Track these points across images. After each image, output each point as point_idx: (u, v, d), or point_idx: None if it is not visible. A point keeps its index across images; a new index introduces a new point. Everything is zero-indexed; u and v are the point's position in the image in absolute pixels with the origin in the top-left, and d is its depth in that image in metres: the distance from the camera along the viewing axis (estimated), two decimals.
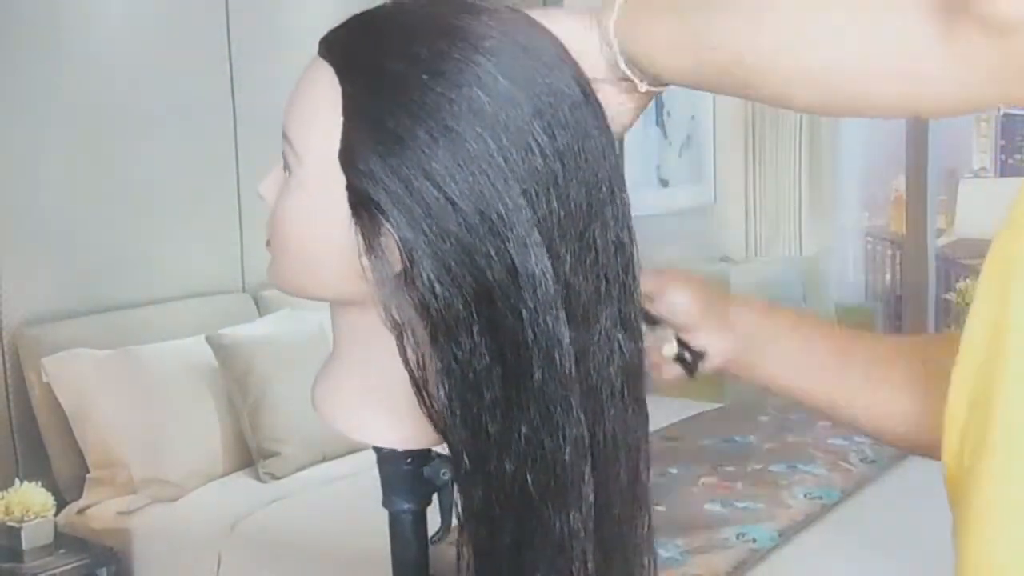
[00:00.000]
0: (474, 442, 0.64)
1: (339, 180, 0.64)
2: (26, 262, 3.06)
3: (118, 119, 3.24)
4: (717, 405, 3.67)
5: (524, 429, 0.63)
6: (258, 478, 3.08)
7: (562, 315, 0.63)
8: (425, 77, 0.61)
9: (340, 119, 0.63)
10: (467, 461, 0.65)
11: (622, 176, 0.67)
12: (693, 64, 0.61)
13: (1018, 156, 6.42)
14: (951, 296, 4.70)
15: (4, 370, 3.04)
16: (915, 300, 5.51)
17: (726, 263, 5.34)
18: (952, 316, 5.04)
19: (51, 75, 3.09)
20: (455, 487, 0.67)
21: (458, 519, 0.68)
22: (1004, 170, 6.32)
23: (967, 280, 4.77)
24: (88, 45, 3.19)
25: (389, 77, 0.62)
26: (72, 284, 3.16)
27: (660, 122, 5.15)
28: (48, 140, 3.10)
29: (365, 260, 0.63)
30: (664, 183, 5.12)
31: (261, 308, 3.50)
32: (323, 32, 0.68)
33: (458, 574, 0.69)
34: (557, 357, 0.63)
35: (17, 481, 2.86)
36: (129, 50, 3.28)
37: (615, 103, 0.68)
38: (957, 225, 5.20)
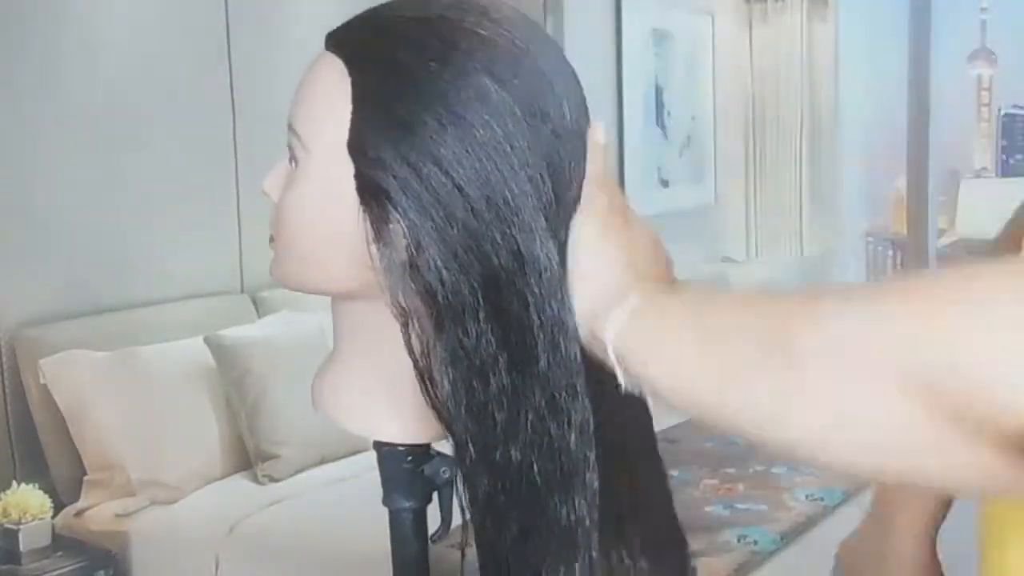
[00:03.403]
0: (480, 431, 0.64)
1: (347, 169, 0.65)
2: (24, 263, 3.05)
3: (116, 119, 3.23)
4: None
5: (530, 416, 0.63)
6: (256, 480, 3.06)
7: (567, 300, 0.64)
8: (433, 65, 0.62)
9: (349, 108, 0.64)
10: (472, 451, 0.65)
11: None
12: (713, 405, 0.57)
13: (1019, 156, 6.41)
14: None
15: (1, 372, 3.02)
16: None
17: (727, 263, 5.33)
18: None
19: (50, 75, 3.08)
20: (459, 479, 0.67)
21: (462, 513, 0.68)
22: (1005, 170, 6.32)
23: None
24: (87, 45, 3.17)
25: (398, 65, 0.63)
26: (70, 285, 3.15)
27: (660, 122, 5.14)
28: (46, 140, 3.09)
29: (373, 248, 0.64)
30: (664, 183, 5.11)
31: (260, 309, 3.49)
32: (322, 31, 0.69)
33: (461, 573, 0.69)
34: (562, 343, 0.63)
35: (15, 483, 2.84)
36: (128, 50, 3.27)
37: None
38: (958, 225, 5.20)
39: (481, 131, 0.62)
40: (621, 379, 0.60)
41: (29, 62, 3.04)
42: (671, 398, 0.58)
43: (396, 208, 0.62)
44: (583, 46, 4.33)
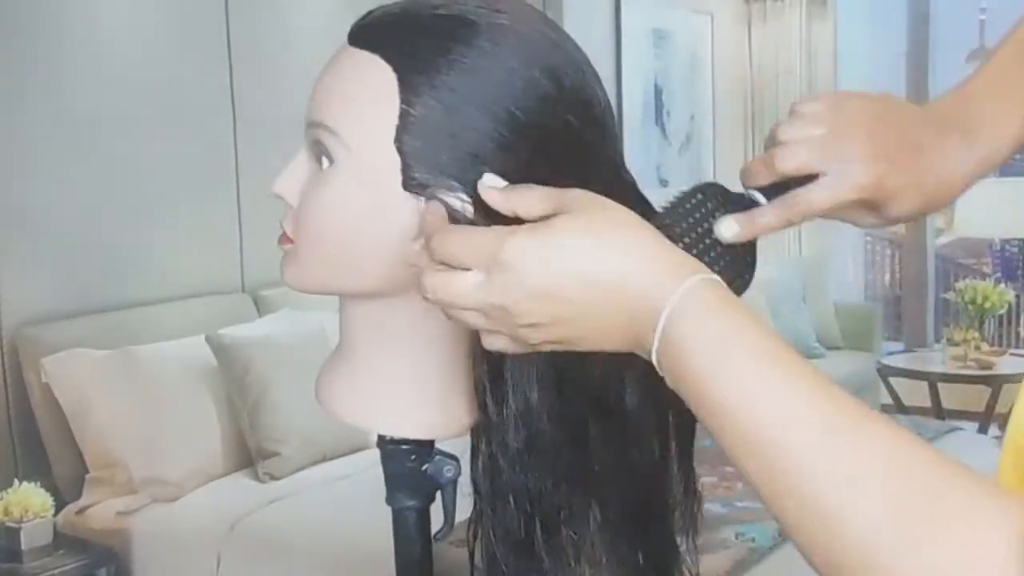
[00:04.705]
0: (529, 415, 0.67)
1: (394, 165, 0.65)
2: (26, 262, 3.06)
3: (117, 119, 3.24)
4: None
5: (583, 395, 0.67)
6: (257, 478, 3.07)
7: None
8: (482, 61, 0.64)
9: (397, 105, 0.64)
10: (522, 430, 0.67)
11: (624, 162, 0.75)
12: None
13: (1018, 156, 6.42)
14: (951, 295, 4.70)
15: (3, 370, 3.03)
16: (915, 299, 5.52)
17: None
18: (952, 316, 5.04)
19: (51, 75, 3.09)
20: (479, 464, 0.69)
21: (473, 506, 0.70)
22: (1003, 170, 6.33)
23: (966, 279, 4.77)
24: (88, 46, 3.18)
25: (446, 63, 0.64)
26: (71, 284, 3.16)
27: (660, 122, 5.15)
28: (48, 140, 3.09)
29: (418, 244, 0.65)
30: (664, 183, 5.12)
31: (261, 308, 3.50)
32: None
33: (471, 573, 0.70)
34: None
35: (16, 481, 2.85)
36: (129, 50, 3.28)
37: None
38: (956, 225, 5.20)
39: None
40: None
41: (30, 63, 3.05)
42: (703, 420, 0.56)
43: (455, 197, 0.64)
44: (582, 45, 4.33)
